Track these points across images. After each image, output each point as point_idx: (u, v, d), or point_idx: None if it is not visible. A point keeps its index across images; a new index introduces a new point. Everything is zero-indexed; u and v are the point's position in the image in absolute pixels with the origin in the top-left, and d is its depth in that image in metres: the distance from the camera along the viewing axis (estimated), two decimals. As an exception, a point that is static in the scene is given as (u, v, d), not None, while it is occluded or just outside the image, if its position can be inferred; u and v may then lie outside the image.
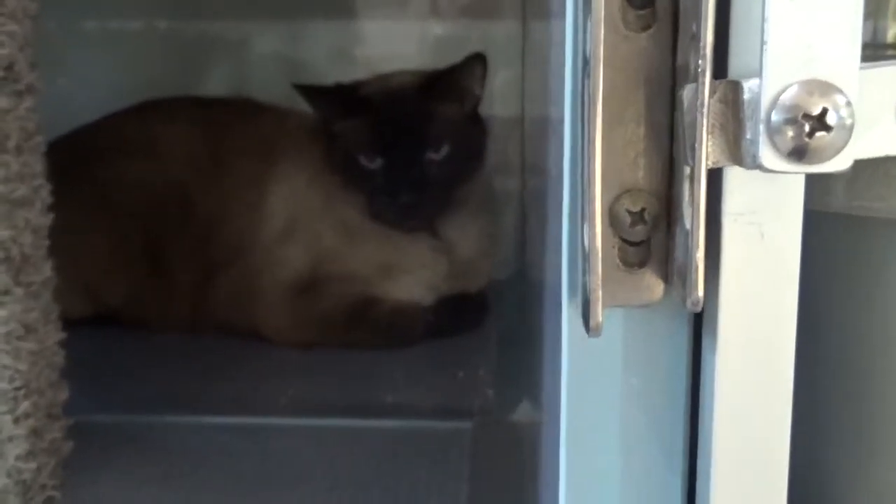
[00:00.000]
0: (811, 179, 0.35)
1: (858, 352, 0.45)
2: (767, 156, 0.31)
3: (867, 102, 0.33)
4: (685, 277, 0.34)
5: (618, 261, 0.37)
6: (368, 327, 1.05)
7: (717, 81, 0.33)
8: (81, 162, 1.08)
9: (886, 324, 0.44)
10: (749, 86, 0.32)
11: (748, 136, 0.32)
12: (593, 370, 0.39)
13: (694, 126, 0.33)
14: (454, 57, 1.03)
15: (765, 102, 0.31)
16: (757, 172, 0.32)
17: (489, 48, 1.05)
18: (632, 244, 0.37)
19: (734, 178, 0.35)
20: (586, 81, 0.35)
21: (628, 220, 0.36)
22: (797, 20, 0.31)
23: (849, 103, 0.31)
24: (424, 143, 1.02)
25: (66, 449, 0.69)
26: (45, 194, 0.66)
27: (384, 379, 0.96)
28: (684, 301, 0.35)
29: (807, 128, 0.31)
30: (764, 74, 0.31)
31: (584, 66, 0.35)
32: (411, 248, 1.07)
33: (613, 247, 0.37)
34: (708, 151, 0.33)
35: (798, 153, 0.31)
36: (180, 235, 1.08)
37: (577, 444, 0.40)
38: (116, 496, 0.73)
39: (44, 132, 0.66)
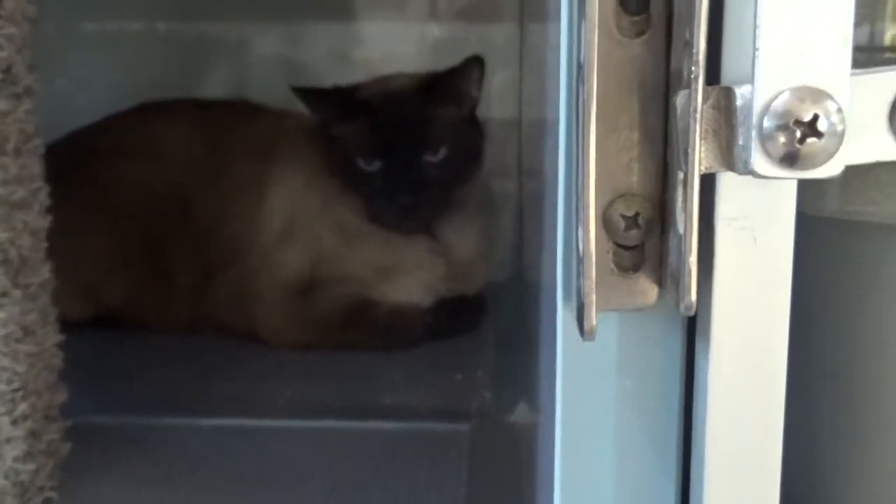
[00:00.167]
0: (804, 184, 0.35)
1: (852, 356, 0.46)
2: (759, 161, 0.32)
3: (859, 108, 0.33)
4: (679, 282, 0.35)
5: (612, 265, 0.37)
6: (366, 329, 1.05)
7: (710, 87, 0.33)
8: (81, 163, 1.08)
9: (880, 327, 0.44)
10: (741, 92, 0.32)
11: (740, 141, 0.32)
12: (588, 373, 0.39)
13: (687, 132, 0.33)
14: (452, 59, 1.03)
15: (757, 109, 0.31)
16: (750, 178, 0.32)
17: (487, 51, 1.05)
18: (626, 248, 0.37)
19: (727, 183, 0.35)
20: (580, 87, 0.35)
21: (622, 224, 0.36)
22: (789, 27, 0.31)
23: (840, 110, 0.31)
24: (422, 145, 1.02)
25: (64, 450, 0.69)
26: (43, 197, 0.67)
27: (382, 381, 0.96)
28: (678, 305, 0.35)
29: (798, 134, 0.31)
30: (756, 81, 0.31)
31: (579, 72, 0.35)
32: (409, 251, 1.07)
33: (608, 251, 0.37)
34: (701, 157, 0.33)
35: (789, 159, 0.31)
36: (179, 237, 1.09)
37: (572, 447, 0.40)
38: (115, 498, 0.73)
39: (42, 134, 0.66)
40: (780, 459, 0.37)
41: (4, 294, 0.63)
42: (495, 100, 1.20)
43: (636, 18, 0.36)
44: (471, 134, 1.07)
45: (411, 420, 0.86)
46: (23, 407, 0.64)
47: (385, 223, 1.04)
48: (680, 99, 0.33)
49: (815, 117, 0.31)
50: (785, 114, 0.31)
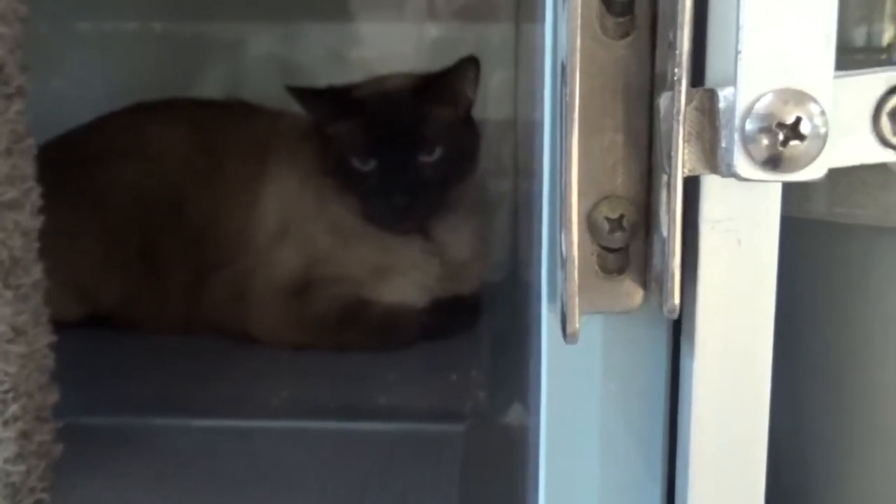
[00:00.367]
0: (790, 187, 0.35)
1: (839, 358, 0.45)
2: (742, 164, 0.32)
3: (843, 111, 0.33)
4: (663, 284, 0.35)
5: (596, 267, 0.37)
6: (361, 329, 1.05)
7: (694, 90, 0.33)
8: (75, 163, 1.08)
9: (867, 330, 0.44)
10: (724, 94, 0.32)
11: (723, 144, 0.32)
12: (573, 375, 0.39)
13: (671, 134, 0.33)
14: (448, 60, 1.03)
15: (739, 111, 0.31)
16: (734, 180, 0.32)
17: (483, 51, 1.06)
18: (610, 251, 0.37)
19: (711, 185, 0.35)
20: (564, 88, 0.35)
21: (607, 227, 0.36)
22: (772, 29, 0.31)
23: (822, 112, 0.31)
24: (417, 145, 1.02)
25: (56, 452, 0.69)
26: (35, 197, 0.66)
27: (377, 381, 0.96)
28: (662, 308, 0.35)
29: (781, 136, 0.31)
30: (738, 83, 0.31)
31: (563, 73, 0.35)
32: (404, 251, 1.07)
33: (592, 254, 0.37)
34: (684, 159, 0.33)
35: (772, 162, 0.31)
36: (174, 237, 1.09)
37: (557, 449, 0.40)
38: (107, 499, 0.73)
39: (34, 134, 0.66)
40: (764, 461, 0.37)
41: (-5, 295, 0.63)
42: (491, 100, 1.20)
43: (621, 20, 0.35)
44: (466, 134, 1.07)
45: (406, 421, 0.86)
46: (14, 408, 0.63)
47: (380, 223, 1.04)
48: (664, 101, 0.33)
49: (798, 120, 0.31)
50: (767, 116, 0.31)
